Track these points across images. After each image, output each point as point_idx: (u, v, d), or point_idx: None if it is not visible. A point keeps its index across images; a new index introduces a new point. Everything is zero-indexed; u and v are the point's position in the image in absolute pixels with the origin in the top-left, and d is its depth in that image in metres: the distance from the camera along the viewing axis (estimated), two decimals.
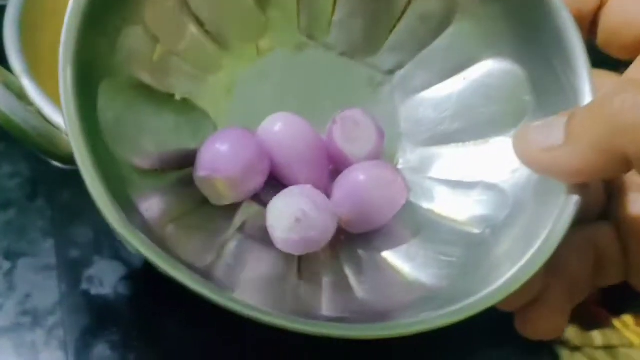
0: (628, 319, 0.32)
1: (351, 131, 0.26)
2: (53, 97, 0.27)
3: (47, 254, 0.36)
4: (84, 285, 0.34)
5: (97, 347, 0.32)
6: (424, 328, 0.21)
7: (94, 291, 0.34)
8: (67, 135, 0.21)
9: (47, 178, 0.39)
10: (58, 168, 0.39)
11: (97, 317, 0.33)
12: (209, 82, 0.28)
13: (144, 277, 0.35)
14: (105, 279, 0.34)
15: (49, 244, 0.36)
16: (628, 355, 0.31)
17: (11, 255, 0.36)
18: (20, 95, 0.27)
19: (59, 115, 0.25)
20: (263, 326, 0.20)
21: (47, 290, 0.34)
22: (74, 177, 0.38)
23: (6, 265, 0.35)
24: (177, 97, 0.27)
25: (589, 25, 0.27)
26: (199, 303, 0.32)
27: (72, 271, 0.34)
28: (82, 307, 0.33)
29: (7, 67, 0.30)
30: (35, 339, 0.32)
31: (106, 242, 0.35)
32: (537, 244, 0.22)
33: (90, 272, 0.34)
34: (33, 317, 0.33)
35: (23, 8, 0.28)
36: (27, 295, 0.34)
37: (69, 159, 0.24)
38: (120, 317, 0.33)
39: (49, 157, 0.25)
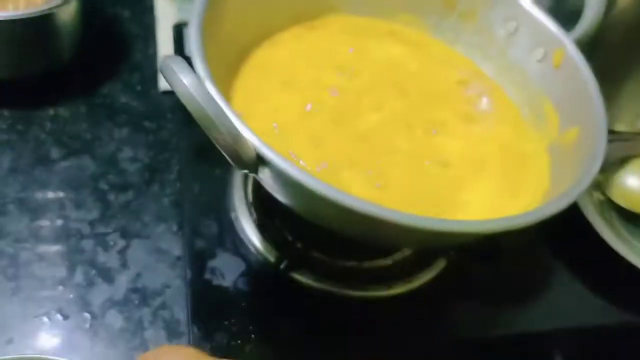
0: None
1: None
2: (230, 102, 0.29)
3: (158, 238, 0.38)
4: (207, 275, 0.35)
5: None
6: None
7: (215, 282, 0.35)
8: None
9: (162, 166, 0.41)
10: (172, 158, 0.41)
11: (216, 307, 0.34)
12: None
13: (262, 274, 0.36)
14: (227, 272, 0.36)
15: (161, 229, 0.38)
16: None
17: (126, 235, 0.37)
18: None
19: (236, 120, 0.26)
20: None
21: (157, 272, 0.36)
22: (205, 173, 0.39)
23: (121, 243, 0.37)
24: None
25: None
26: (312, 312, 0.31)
27: (197, 260, 0.36)
28: (198, 294, 0.34)
29: None
30: (142, 315, 0.34)
31: (229, 237, 0.37)
32: None
33: (214, 263, 0.36)
34: (142, 295, 0.35)
35: (204, 21, 0.30)
36: (138, 274, 0.36)
37: (251, 165, 0.26)
38: (237, 310, 0.34)
39: (233, 160, 0.26)
